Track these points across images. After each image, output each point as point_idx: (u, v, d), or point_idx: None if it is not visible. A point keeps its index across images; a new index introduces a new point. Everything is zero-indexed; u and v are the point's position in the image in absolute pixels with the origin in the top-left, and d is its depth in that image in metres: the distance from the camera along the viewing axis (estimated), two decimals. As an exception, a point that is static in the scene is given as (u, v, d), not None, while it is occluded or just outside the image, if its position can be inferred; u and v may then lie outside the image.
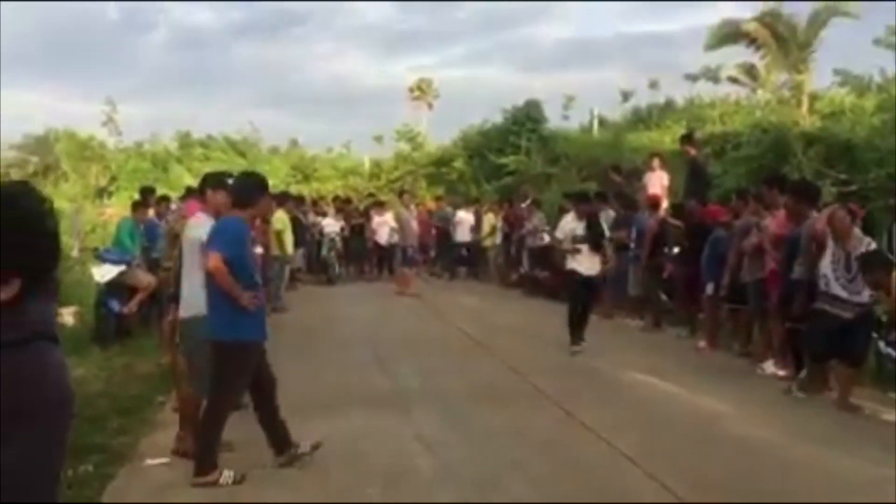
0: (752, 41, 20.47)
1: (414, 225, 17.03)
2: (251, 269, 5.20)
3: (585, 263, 9.49)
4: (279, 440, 5.29)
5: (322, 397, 7.23)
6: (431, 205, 22.66)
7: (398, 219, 17.32)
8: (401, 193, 18.34)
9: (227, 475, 4.99)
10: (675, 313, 11.23)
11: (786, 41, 19.56)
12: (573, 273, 9.57)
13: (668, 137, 18.63)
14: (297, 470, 5.25)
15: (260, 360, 5.26)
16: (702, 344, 9.67)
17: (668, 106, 24.80)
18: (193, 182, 18.05)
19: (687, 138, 12.80)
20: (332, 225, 18.56)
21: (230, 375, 5.07)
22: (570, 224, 9.69)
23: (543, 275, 14.97)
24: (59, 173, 29.98)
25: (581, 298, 9.64)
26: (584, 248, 9.43)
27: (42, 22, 64.40)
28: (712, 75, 23.44)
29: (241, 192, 5.25)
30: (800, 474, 5.28)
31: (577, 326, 9.52)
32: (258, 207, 5.31)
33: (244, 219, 5.21)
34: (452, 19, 77.26)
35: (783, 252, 7.95)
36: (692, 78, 24.33)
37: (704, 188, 11.71)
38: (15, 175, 19.62)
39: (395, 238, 17.28)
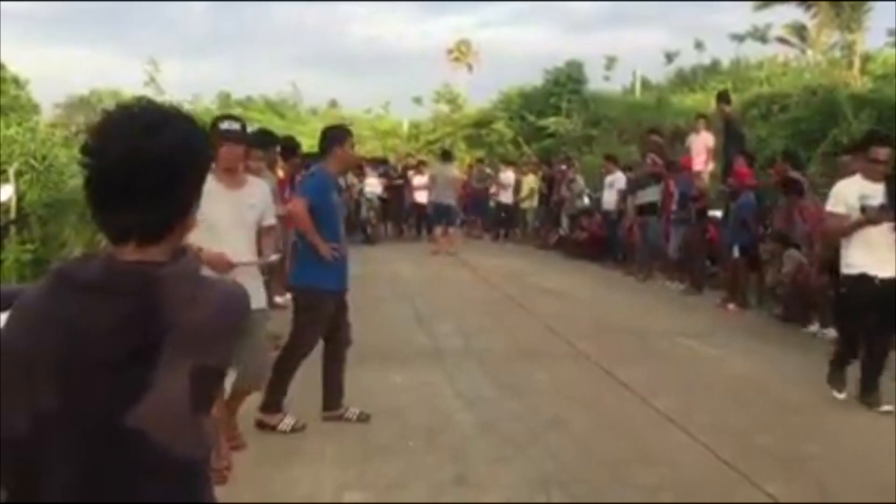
0: (802, -1, 19.94)
1: (454, 184, 16.96)
2: (335, 219, 5.26)
3: (881, 256, 5.69)
4: (332, 397, 5.37)
5: (363, 353, 7.27)
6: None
7: (431, 177, 17.29)
8: (444, 155, 18.24)
9: (287, 422, 5.10)
10: (717, 276, 11.11)
11: (838, -1, 19.02)
12: (862, 279, 5.72)
13: (712, 99, 18.25)
14: (340, 423, 5.31)
15: (339, 315, 5.30)
16: (731, 306, 9.58)
17: (714, 67, 24.38)
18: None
19: (722, 96, 12.54)
20: (373, 185, 18.60)
21: (302, 322, 5.17)
22: (855, 187, 5.84)
23: (583, 236, 14.88)
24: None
25: (871, 323, 5.85)
26: (884, 229, 5.65)
27: (85, -18, 64.73)
28: (760, 35, 23.04)
29: (321, 144, 5.35)
30: (845, 439, 5.22)
31: (869, 372, 5.93)
32: (335, 158, 5.29)
33: (328, 169, 5.30)
34: (493, -22, 76.28)
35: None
36: (738, 38, 23.90)
37: (740, 146, 11.48)
38: (59, 133, 19.82)
39: (431, 197, 17.26)
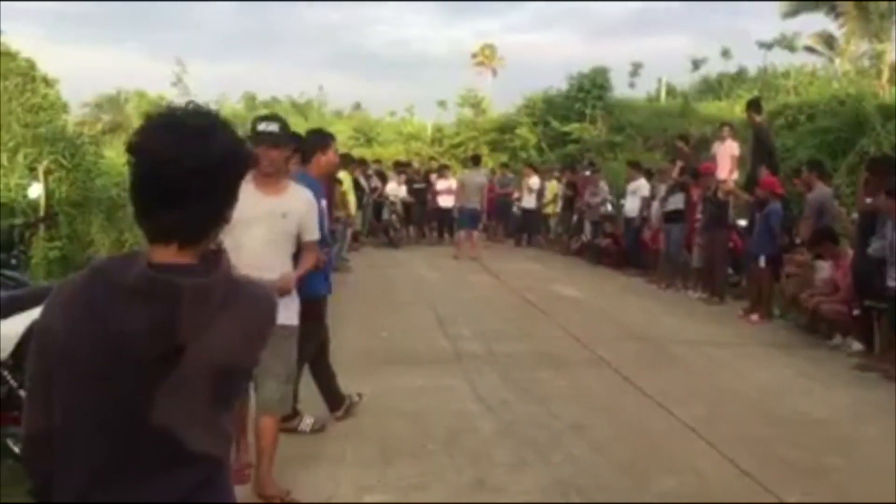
0: (831, 8, 19.79)
1: (482, 189, 16.98)
2: (322, 225, 5.26)
3: None
4: (332, 395, 5.41)
5: (384, 356, 7.34)
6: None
7: (460, 182, 17.31)
8: (474, 159, 18.28)
9: (307, 422, 5.13)
10: (740, 286, 11.04)
11: (867, 8, 18.86)
12: None
13: (738, 107, 18.19)
14: (358, 424, 5.34)
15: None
16: (755, 317, 9.52)
17: (740, 75, 24.24)
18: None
19: (753, 104, 12.46)
20: (395, 189, 18.67)
21: (308, 330, 5.14)
22: None
23: (606, 243, 14.84)
24: (129, 131, 30.73)
25: None
26: None
27: (115, -17, 65.44)
28: (788, 44, 22.90)
29: (303, 149, 5.30)
30: (867, 452, 5.18)
31: None
32: (317, 164, 5.15)
33: (311, 175, 5.26)
34: (519, -18, 76.27)
35: (859, 227, 7.79)
36: (766, 46, 23.74)
37: (769, 157, 11.41)
38: (87, 131, 20.08)
39: (457, 202, 17.28)
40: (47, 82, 22.67)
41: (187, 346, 1.44)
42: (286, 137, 4.22)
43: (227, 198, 1.55)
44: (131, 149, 1.50)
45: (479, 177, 17.06)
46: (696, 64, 26.23)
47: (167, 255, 1.49)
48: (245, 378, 1.65)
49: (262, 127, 4.09)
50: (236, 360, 1.53)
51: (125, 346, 1.42)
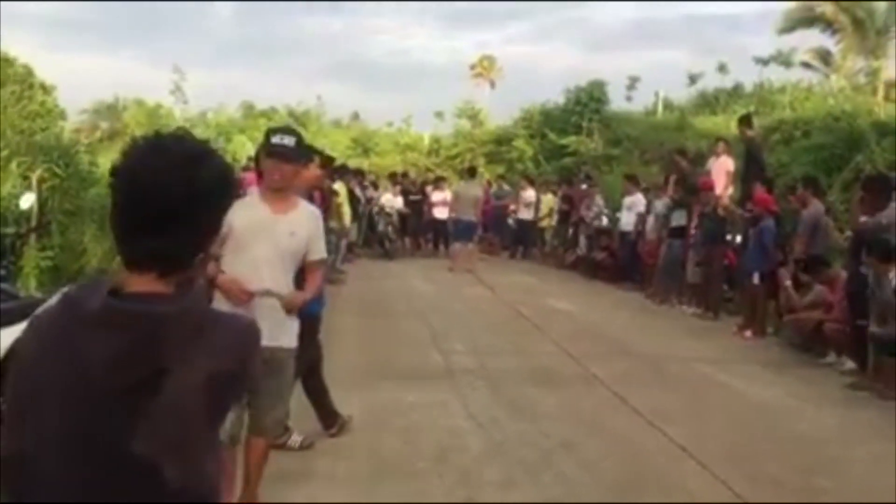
0: (827, 24, 19.88)
1: (477, 201, 16.98)
2: None
3: None
4: (325, 413, 5.37)
5: (376, 371, 7.30)
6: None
7: (455, 194, 17.31)
8: (470, 171, 18.28)
9: (295, 439, 5.08)
10: (734, 302, 11.03)
11: (863, 25, 18.94)
12: None
13: (734, 122, 18.17)
14: (349, 440, 5.31)
15: None
16: (748, 333, 9.50)
17: (736, 90, 24.29)
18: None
19: (745, 119, 12.48)
20: (391, 201, 18.66)
21: (306, 344, 5.07)
22: None
23: (602, 256, 14.84)
24: (126, 139, 30.70)
25: None
26: None
27: (114, -10, 65.60)
28: (784, 59, 22.94)
29: None
30: (859, 473, 5.15)
31: None
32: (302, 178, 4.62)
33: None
34: (518, -6, 76.58)
35: (853, 246, 7.80)
36: (762, 62, 23.82)
37: (760, 172, 11.42)
38: (84, 139, 20.07)
39: (452, 214, 17.29)
40: (45, 89, 22.71)
41: (160, 378, 1.41)
42: (301, 152, 4.02)
43: (211, 228, 1.53)
44: (115, 171, 1.48)
45: (473, 189, 17.03)
46: (693, 78, 26.32)
47: (141, 283, 1.46)
48: (230, 405, 1.61)
49: (276, 140, 3.87)
50: (217, 390, 1.48)
51: (90, 377, 1.39)
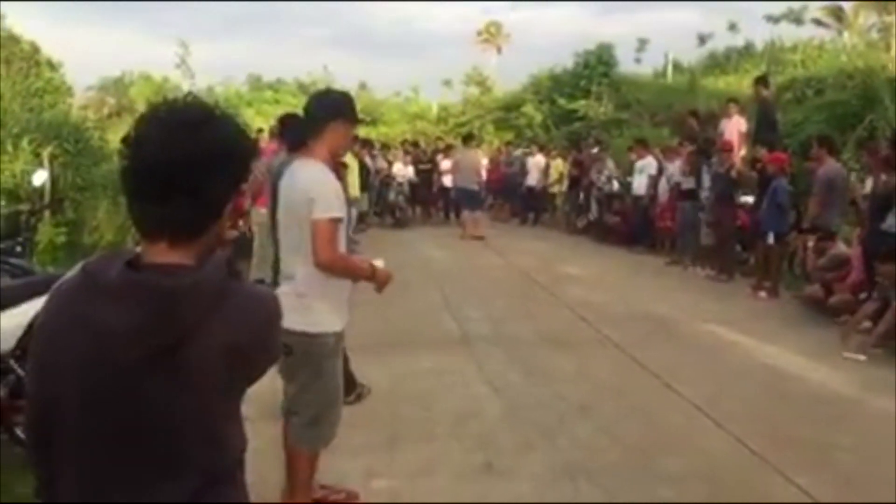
0: (840, -20, 19.52)
1: (477, 168, 16.92)
2: None
3: None
4: (344, 380, 5.39)
5: (391, 339, 7.34)
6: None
7: (455, 162, 17.26)
8: (466, 138, 18.19)
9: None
10: (748, 264, 10.99)
11: (876, -20, 18.59)
12: None
13: (745, 82, 18.00)
14: (366, 408, 5.35)
15: None
16: (763, 294, 9.49)
17: (747, 49, 23.98)
18: (264, 125, 18.34)
19: (761, 79, 12.33)
20: (402, 170, 18.62)
21: None
22: None
23: (614, 220, 14.78)
24: (134, 114, 30.68)
25: None
26: None
27: (117, -36, 65.09)
28: (795, 17, 22.56)
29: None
30: (875, 429, 5.16)
31: None
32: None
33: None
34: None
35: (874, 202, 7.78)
36: (773, 20, 23.42)
37: (772, 131, 11.32)
38: (92, 115, 20.09)
39: (454, 182, 17.27)
40: (51, 66, 22.70)
41: (176, 349, 1.41)
42: None
43: (220, 193, 1.50)
44: (125, 140, 1.48)
45: (472, 156, 16.95)
46: (703, 39, 25.98)
47: (157, 253, 1.46)
48: (250, 377, 1.57)
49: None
50: (235, 361, 1.47)
51: (107, 348, 1.40)
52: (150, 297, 1.40)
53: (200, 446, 1.46)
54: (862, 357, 6.80)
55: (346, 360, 5.40)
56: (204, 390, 1.44)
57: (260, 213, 7.66)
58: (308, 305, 3.49)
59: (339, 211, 3.48)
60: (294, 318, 3.34)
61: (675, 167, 12.64)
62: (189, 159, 1.43)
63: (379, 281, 3.75)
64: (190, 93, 1.61)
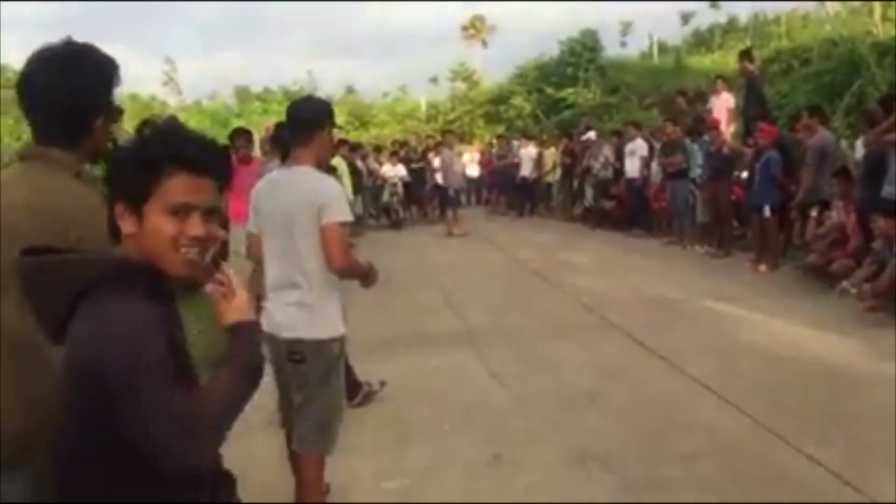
0: (818, -52, 19.48)
1: (458, 167, 16.95)
2: None
3: None
4: (349, 383, 5.38)
5: (394, 337, 7.34)
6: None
7: (441, 161, 17.27)
8: (443, 133, 18.22)
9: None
10: (745, 238, 10.99)
11: (855, -54, 18.55)
12: None
13: (731, 58, 17.99)
14: (373, 409, 5.34)
15: None
16: (762, 267, 9.48)
17: (731, 25, 23.97)
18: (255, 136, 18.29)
19: (745, 54, 12.33)
20: (391, 171, 18.61)
21: None
22: None
23: (610, 205, 14.78)
24: (122, 133, 30.68)
25: None
26: None
27: (97, -14, 64.89)
28: (777, -11, 22.45)
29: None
30: (882, 395, 5.15)
31: None
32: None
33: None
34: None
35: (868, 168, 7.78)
36: (755, -7, 23.36)
37: (761, 105, 11.31)
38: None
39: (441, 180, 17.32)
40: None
41: None
42: None
43: None
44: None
45: (447, 155, 16.99)
46: (686, 17, 25.93)
47: None
48: None
49: None
50: None
51: None
52: None
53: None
54: (853, 290, 7.10)
55: (348, 365, 5.42)
56: None
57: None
58: (318, 312, 3.50)
59: (349, 215, 3.54)
60: (304, 327, 3.44)
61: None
62: None
63: (372, 278, 3.79)
64: (172, 115, 1.63)
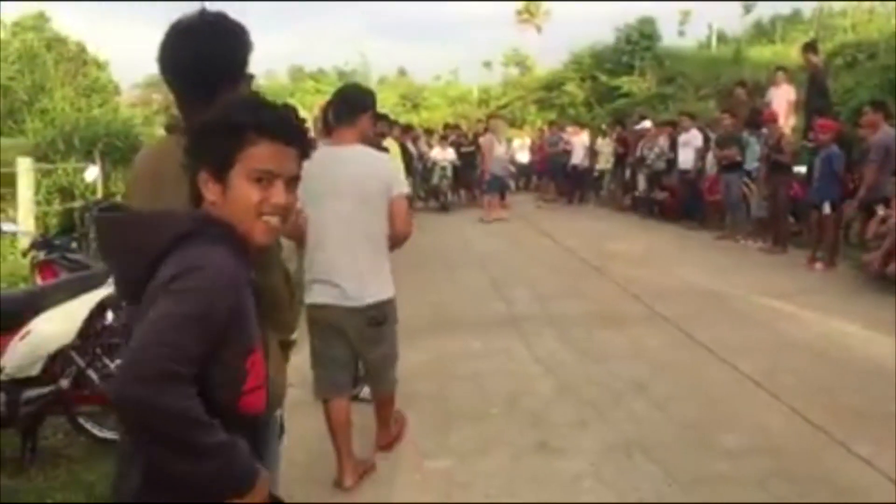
0: (889, -60, 18.86)
1: (500, 151, 16.82)
2: None
3: None
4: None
5: (441, 320, 7.36)
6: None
7: (482, 147, 17.19)
8: (489, 118, 18.13)
9: (367, 390, 5.12)
10: (801, 235, 10.76)
11: (928, -62, 17.92)
12: None
13: (793, 50, 17.55)
14: (418, 388, 5.37)
15: None
16: (819, 265, 9.27)
17: (794, 17, 23.43)
18: (308, 114, 18.46)
19: (810, 46, 12.03)
20: (441, 154, 18.61)
21: None
22: None
23: (662, 196, 14.59)
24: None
25: None
26: None
27: (157, -38, 65.78)
28: (844, -19, 21.84)
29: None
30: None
31: None
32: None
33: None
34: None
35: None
36: (820, -15, 22.75)
37: (823, 99, 11.03)
38: (140, 112, 20.42)
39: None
40: (98, 65, 23.08)
41: None
42: None
43: None
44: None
45: (488, 139, 16.88)
46: (748, 8, 25.35)
47: None
48: None
49: None
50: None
51: None
52: None
53: None
54: None
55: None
56: None
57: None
58: (384, 274, 3.92)
59: (408, 188, 4.05)
60: (376, 290, 3.87)
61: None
62: None
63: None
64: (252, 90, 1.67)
